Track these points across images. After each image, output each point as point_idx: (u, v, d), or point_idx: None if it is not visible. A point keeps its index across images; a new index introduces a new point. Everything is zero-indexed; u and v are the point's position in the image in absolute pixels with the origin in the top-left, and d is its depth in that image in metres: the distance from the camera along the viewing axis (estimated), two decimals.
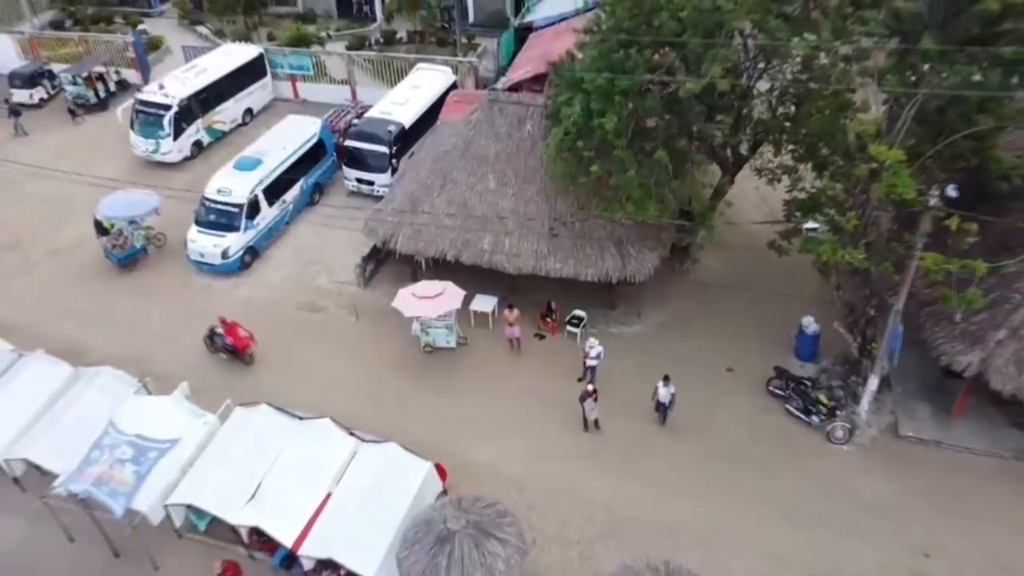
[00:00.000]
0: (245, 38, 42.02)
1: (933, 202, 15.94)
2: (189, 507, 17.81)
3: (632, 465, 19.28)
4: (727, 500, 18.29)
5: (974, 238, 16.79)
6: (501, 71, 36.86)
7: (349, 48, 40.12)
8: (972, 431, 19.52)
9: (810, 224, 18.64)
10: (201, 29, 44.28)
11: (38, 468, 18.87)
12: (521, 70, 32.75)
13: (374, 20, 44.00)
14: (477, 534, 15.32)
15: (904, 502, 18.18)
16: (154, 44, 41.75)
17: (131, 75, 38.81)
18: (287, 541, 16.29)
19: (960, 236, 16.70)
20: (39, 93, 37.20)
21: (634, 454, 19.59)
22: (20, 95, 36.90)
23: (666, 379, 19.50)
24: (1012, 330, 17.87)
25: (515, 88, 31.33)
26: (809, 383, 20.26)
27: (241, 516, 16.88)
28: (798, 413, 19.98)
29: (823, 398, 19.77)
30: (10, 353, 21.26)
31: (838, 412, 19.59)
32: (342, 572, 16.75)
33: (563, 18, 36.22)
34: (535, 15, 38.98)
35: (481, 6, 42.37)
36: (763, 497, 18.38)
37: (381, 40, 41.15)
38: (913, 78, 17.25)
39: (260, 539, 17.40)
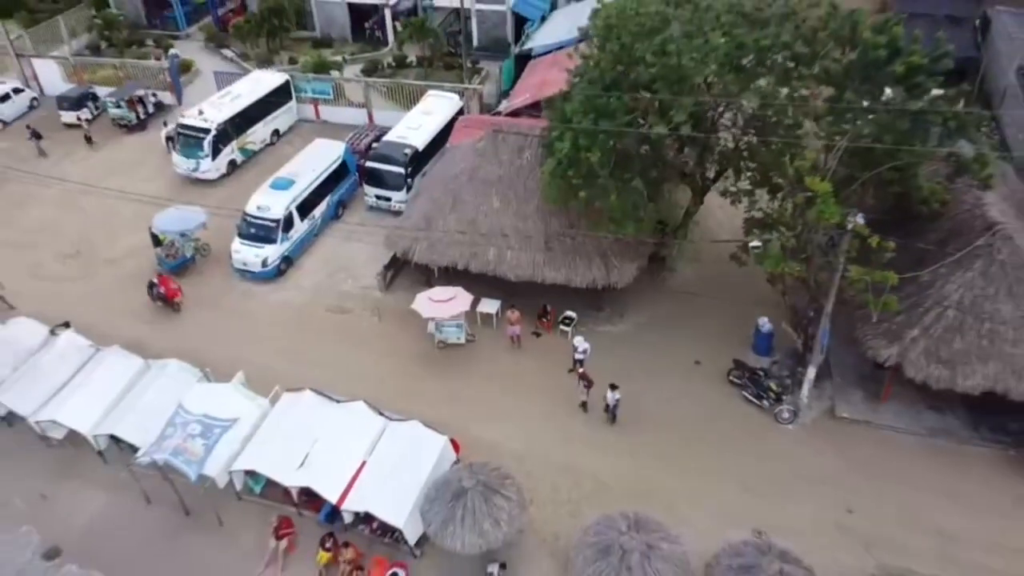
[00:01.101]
0: (267, 61, 45.98)
1: (851, 225, 19.73)
2: (248, 473, 21.75)
3: (615, 441, 23.14)
4: (692, 469, 22.15)
5: (891, 254, 20.65)
6: (503, 95, 40.69)
7: (364, 72, 43.97)
8: (896, 413, 23.39)
9: (755, 243, 22.56)
10: (226, 52, 48.10)
11: (120, 442, 22.79)
12: (520, 97, 36.71)
13: (386, 44, 47.73)
14: (486, 491, 19.20)
15: (836, 471, 22.04)
16: (185, 67, 45.55)
17: (166, 97, 42.56)
18: (332, 498, 20.19)
19: (880, 252, 20.57)
20: (84, 114, 40.96)
21: (617, 432, 23.43)
22: (67, 116, 40.77)
23: (612, 387, 23.12)
24: (924, 329, 21.73)
25: (515, 113, 35.36)
26: (762, 373, 24.15)
27: (293, 479, 20.80)
28: (752, 398, 23.86)
29: (773, 386, 23.66)
30: (89, 348, 25.20)
31: (784, 397, 23.48)
32: (375, 524, 20.69)
33: (560, 46, 39.86)
34: (533, 43, 42.75)
35: (484, 32, 46.48)
36: (721, 466, 22.24)
37: (393, 64, 44.86)
38: (843, 124, 21.13)
39: (308, 499, 21.26)
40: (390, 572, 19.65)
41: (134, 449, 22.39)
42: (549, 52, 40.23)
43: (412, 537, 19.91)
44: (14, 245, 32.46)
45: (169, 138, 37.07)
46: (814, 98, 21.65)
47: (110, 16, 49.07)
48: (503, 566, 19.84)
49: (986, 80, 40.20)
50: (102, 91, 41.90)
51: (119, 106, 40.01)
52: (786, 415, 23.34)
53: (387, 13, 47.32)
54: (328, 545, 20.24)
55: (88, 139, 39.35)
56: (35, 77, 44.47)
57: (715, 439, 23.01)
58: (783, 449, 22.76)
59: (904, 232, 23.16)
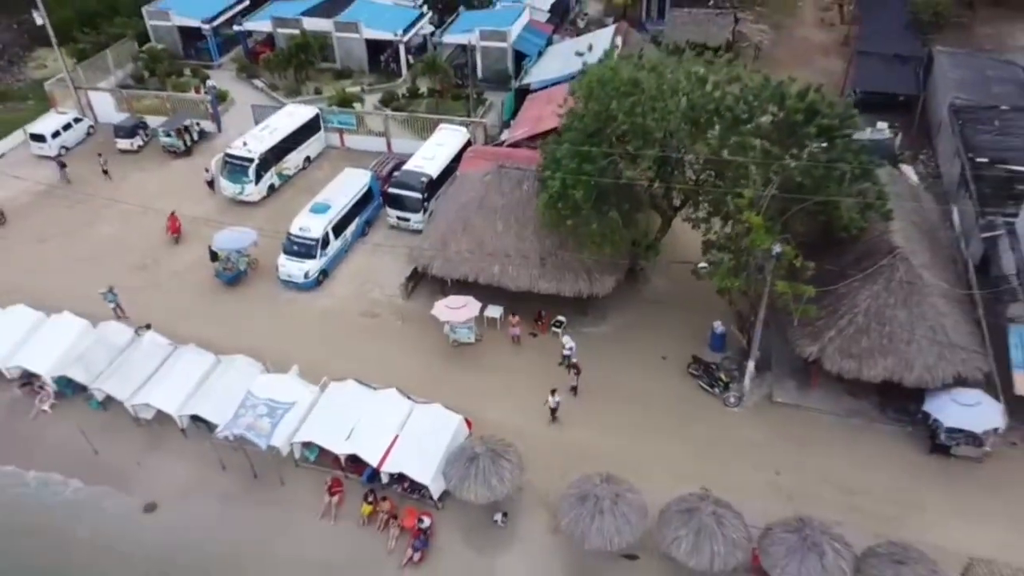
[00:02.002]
0: (295, 91, 51.72)
1: (776, 251, 25.45)
2: (304, 444, 27.52)
3: (595, 419, 28.87)
4: (655, 441, 27.89)
5: (812, 272, 26.41)
6: (505, 124, 46.39)
7: (382, 101, 49.70)
8: (822, 398, 29.14)
9: (702, 264, 28.32)
10: (257, 82, 53.80)
11: (201, 420, 28.56)
12: (520, 130, 42.41)
13: (400, 75, 53.40)
14: (493, 455, 24.99)
15: (770, 443, 27.81)
16: (222, 97, 51.27)
17: (208, 125, 48.26)
18: (373, 462, 25.99)
19: (803, 270, 26.32)
20: (137, 141, 46.72)
21: (598, 413, 29.15)
22: (123, 143, 46.51)
23: (553, 392, 28.54)
24: (839, 331, 27.46)
25: (516, 144, 41.07)
26: (715, 366, 29.93)
27: (342, 448, 26.59)
28: (706, 387, 29.63)
29: (723, 376, 29.45)
30: (168, 345, 30.99)
31: (732, 385, 29.25)
32: (406, 483, 26.46)
33: (555, 82, 45.58)
34: (531, 78, 48.52)
35: (487, 66, 52.19)
36: (679, 439, 28.00)
37: (407, 95, 50.56)
38: (772, 170, 26.88)
39: (353, 464, 27.02)
40: (419, 519, 25.41)
41: (210, 428, 28.27)
42: (545, 87, 45.95)
43: (436, 492, 25.73)
44: (89, 259, 38.15)
45: (206, 169, 42.75)
46: (751, 149, 27.34)
47: (155, 51, 54.72)
48: (505, 515, 25.63)
49: (927, 113, 45.99)
50: (152, 120, 47.66)
51: (169, 135, 45.74)
52: (732, 400, 29.13)
53: (400, 48, 53.02)
54: (370, 499, 26.09)
55: (105, 172, 44.34)
56: (90, 107, 50.17)
57: (675, 418, 28.78)
58: (729, 426, 28.54)
59: (828, 253, 29.06)
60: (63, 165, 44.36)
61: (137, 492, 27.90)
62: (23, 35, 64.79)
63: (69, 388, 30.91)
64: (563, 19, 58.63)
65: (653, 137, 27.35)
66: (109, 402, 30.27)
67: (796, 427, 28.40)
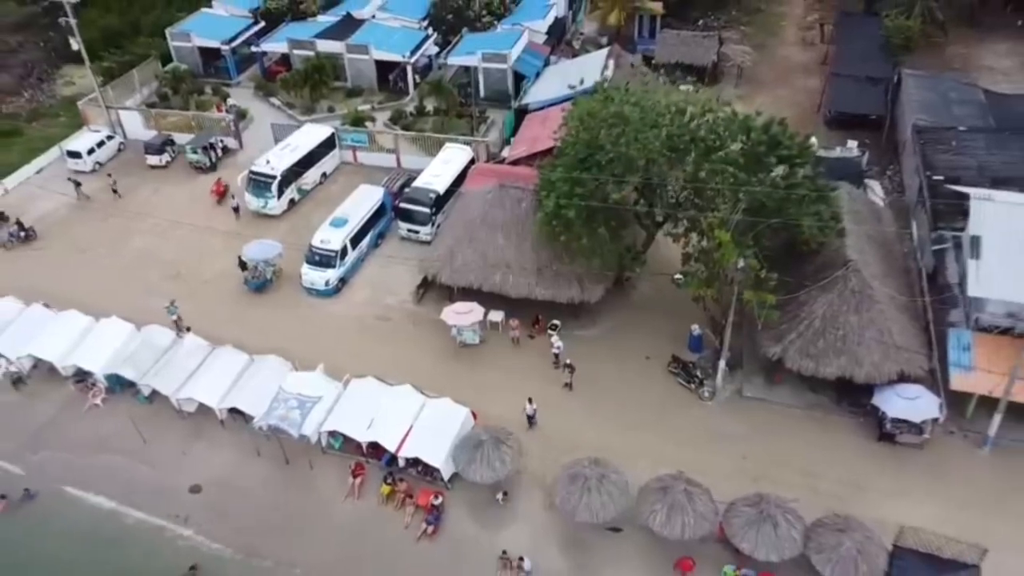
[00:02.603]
0: (310, 109, 55.52)
1: (741, 264, 29.29)
2: (330, 433, 31.37)
3: (586, 412, 32.73)
4: (638, 430, 31.72)
5: (775, 282, 30.27)
6: (505, 141, 50.20)
7: (391, 119, 53.49)
8: (786, 393, 32.99)
9: (677, 275, 32.18)
10: (274, 100, 57.57)
11: (239, 413, 32.42)
12: (519, 148, 46.28)
13: (407, 94, 57.17)
14: (496, 442, 28.89)
15: (739, 432, 31.67)
16: (241, 115, 55.07)
17: (231, 142, 52.03)
18: (392, 448, 29.85)
19: (767, 281, 30.17)
20: (165, 158, 50.55)
21: (589, 406, 33.00)
22: (152, 160, 50.34)
23: (530, 400, 32.22)
24: (799, 334, 31.32)
25: (515, 162, 44.92)
26: (692, 365, 33.79)
27: (364, 436, 30.45)
28: (684, 383, 33.51)
29: (699, 373, 33.32)
30: (207, 346, 34.86)
31: (706, 382, 33.13)
32: (420, 467, 30.31)
33: (552, 103, 49.39)
34: (530, 98, 52.35)
35: (489, 86, 55.94)
36: (660, 429, 31.84)
37: (414, 112, 54.32)
38: (739, 193, 30.75)
39: (373, 450, 30.88)
40: (432, 497, 29.29)
41: (247, 419, 32.15)
42: (542, 108, 49.77)
43: (446, 474, 29.63)
44: (127, 268, 42.01)
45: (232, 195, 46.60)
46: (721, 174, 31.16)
47: (179, 72, 58.52)
48: (505, 493, 29.48)
49: (895, 131, 49.85)
50: (178, 137, 51.51)
51: (196, 152, 49.57)
52: (707, 394, 33.02)
53: (408, 68, 56.85)
54: (389, 481, 30.01)
55: (115, 191, 47.69)
56: (120, 124, 53.98)
57: (656, 410, 32.65)
58: (703, 417, 32.43)
59: (791, 265, 32.90)
60: (78, 184, 47.86)
61: (183, 476, 31.75)
62: (50, 53, 68.61)
63: (118, 385, 34.79)
64: (560, 40, 62.34)
65: (636, 164, 31.18)
66: (155, 397, 34.14)
67: (762, 418, 32.26)
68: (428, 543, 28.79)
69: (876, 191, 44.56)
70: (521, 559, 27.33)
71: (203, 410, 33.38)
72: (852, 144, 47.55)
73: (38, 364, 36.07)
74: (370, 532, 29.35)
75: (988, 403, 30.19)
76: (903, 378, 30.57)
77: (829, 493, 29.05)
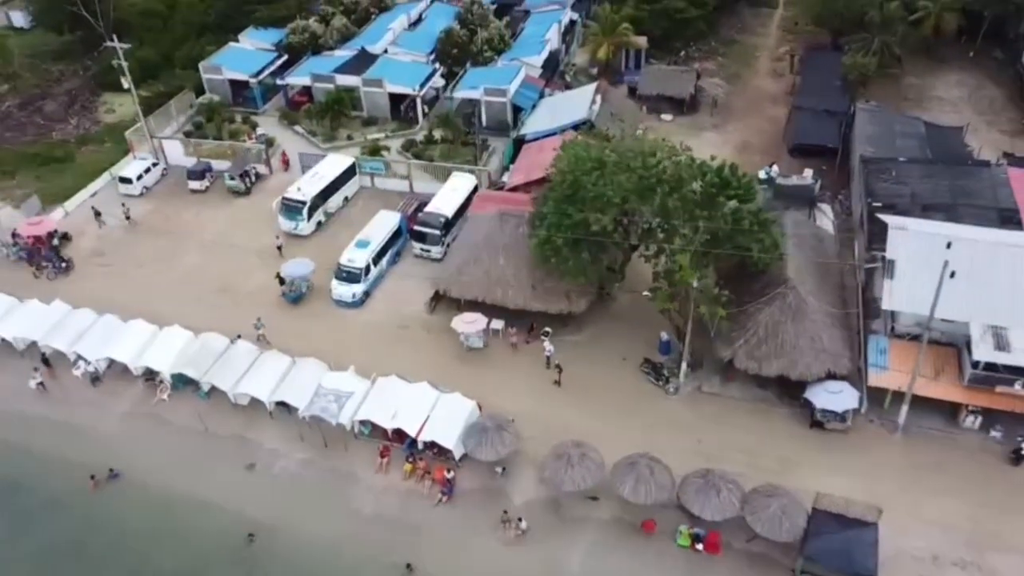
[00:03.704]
0: (331, 137, 62.33)
1: (696, 284, 36.09)
2: (362, 422, 38.21)
3: (571, 404, 39.53)
4: (614, 418, 38.48)
5: (727, 297, 37.09)
6: (504, 168, 56.97)
7: (404, 147, 60.22)
8: (737, 389, 39.83)
9: (646, 292, 39.08)
10: (297, 128, 64.31)
11: (284, 405, 39.24)
12: (517, 176, 53.06)
13: (417, 123, 63.91)
14: (498, 428, 35.77)
15: (698, 421, 38.50)
16: (269, 142, 61.85)
17: (262, 169, 58.82)
18: (413, 433, 36.71)
19: (719, 296, 37.00)
20: (205, 183, 57.37)
21: (573, 399, 39.79)
22: (193, 185, 57.16)
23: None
24: (746, 340, 38.17)
25: (514, 188, 51.71)
26: (660, 365, 40.66)
27: (390, 423, 37.30)
28: (653, 381, 40.38)
29: (666, 373, 40.19)
30: (255, 350, 41.70)
31: (672, 380, 40.00)
32: (435, 449, 37.16)
33: (547, 134, 56.15)
34: (526, 129, 59.19)
35: (491, 117, 62.69)
36: (632, 418, 38.60)
37: (424, 141, 61.06)
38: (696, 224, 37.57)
39: (397, 435, 37.72)
40: (446, 472, 36.15)
41: (291, 410, 38.99)
42: (537, 139, 56.56)
43: (457, 454, 36.51)
44: (179, 282, 48.79)
45: (277, 235, 53.36)
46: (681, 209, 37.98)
47: (213, 103, 65.35)
48: (504, 468, 36.31)
49: (848, 160, 56.62)
50: (216, 164, 58.32)
51: (233, 178, 56.43)
52: (672, 390, 39.90)
53: (418, 100, 63.65)
54: (410, 460, 36.89)
55: (127, 218, 53.83)
56: (163, 152, 60.78)
57: (629, 403, 39.49)
58: (668, 409, 39.29)
59: (742, 283, 39.72)
60: (98, 213, 54.10)
61: (239, 456, 38.60)
62: (89, 81, 75.49)
63: (181, 382, 41.60)
64: (554, 73, 69.14)
65: (612, 200, 38.03)
66: (212, 393, 40.97)
67: (716, 410, 39.13)
68: (443, 508, 35.66)
69: (827, 214, 51.53)
70: (519, 518, 34.24)
71: (253, 404, 40.18)
72: (807, 172, 54.42)
73: (112, 365, 42.86)
74: (396, 501, 36.20)
75: (901, 397, 37.00)
76: (831, 376, 37.40)
77: (767, 469, 35.76)
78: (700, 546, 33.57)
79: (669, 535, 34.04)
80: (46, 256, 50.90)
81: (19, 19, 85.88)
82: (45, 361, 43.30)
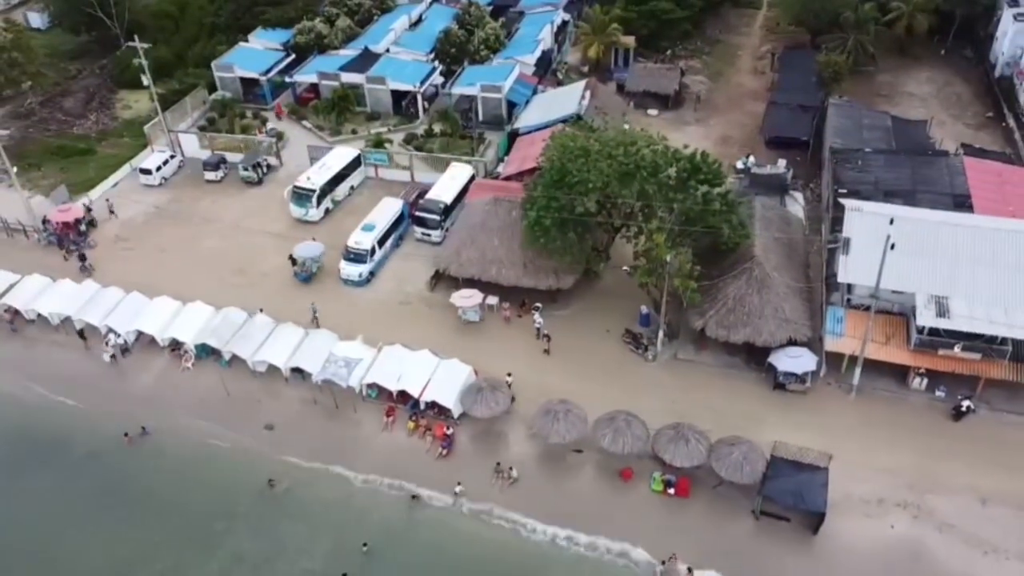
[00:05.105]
0: (336, 131, 66.37)
1: (669, 259, 40.14)
2: (369, 385, 42.32)
3: (558, 369, 43.58)
4: (599, 382, 42.51)
5: (699, 272, 41.16)
6: (500, 160, 61.02)
7: (405, 140, 64.26)
8: (709, 356, 43.91)
9: (625, 267, 43.16)
10: (305, 123, 68.36)
11: (299, 371, 43.33)
12: (511, 166, 57.14)
13: (418, 117, 67.91)
14: (492, 389, 39.90)
15: (673, 384, 42.59)
16: (279, 136, 65.90)
17: (273, 160, 62.86)
18: (416, 394, 40.82)
19: (691, 271, 41.07)
20: (220, 174, 61.41)
21: (560, 366, 43.83)
22: (209, 175, 61.22)
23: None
24: (716, 311, 42.23)
25: (508, 178, 55.80)
26: (640, 335, 44.74)
27: (395, 386, 41.41)
28: (634, 349, 44.47)
29: (645, 342, 44.29)
30: (272, 323, 45.79)
31: (650, 348, 44.10)
32: (436, 408, 41.25)
33: (538, 128, 60.18)
34: (520, 123, 63.25)
35: (487, 112, 66.77)
36: (613, 381, 42.62)
37: (424, 134, 65.08)
38: (669, 207, 41.66)
39: (401, 397, 41.81)
40: (445, 428, 40.27)
41: (304, 376, 43.07)
42: (530, 132, 60.61)
43: (456, 413, 40.64)
44: (200, 264, 52.82)
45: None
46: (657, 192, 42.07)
47: (226, 100, 69.45)
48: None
49: (819, 151, 60.71)
50: (230, 157, 62.38)
51: (246, 169, 60.50)
52: (650, 357, 44.02)
53: (418, 96, 67.67)
54: (413, 418, 41.00)
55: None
56: (179, 145, 64.84)
57: (611, 369, 43.58)
58: (646, 375, 43.41)
59: (715, 259, 43.80)
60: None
61: (259, 418, 42.70)
62: (106, 79, 79.46)
63: (204, 352, 45.70)
64: (547, 71, 73.19)
65: (595, 185, 42.14)
66: (233, 362, 45.06)
67: (690, 374, 43.27)
68: (443, 461, 39.77)
69: (798, 201, 55.70)
70: (511, 468, 38.38)
71: (270, 372, 44.26)
72: (781, 162, 58.54)
73: (139, 337, 46.94)
74: (401, 455, 40.29)
75: (855, 361, 41.10)
76: (792, 343, 41.49)
77: (732, 425, 39.63)
78: (672, 491, 37.68)
79: (645, 481, 38.14)
80: (74, 241, 54.92)
81: (36, 20, 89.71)
82: (80, 334, 47.32)
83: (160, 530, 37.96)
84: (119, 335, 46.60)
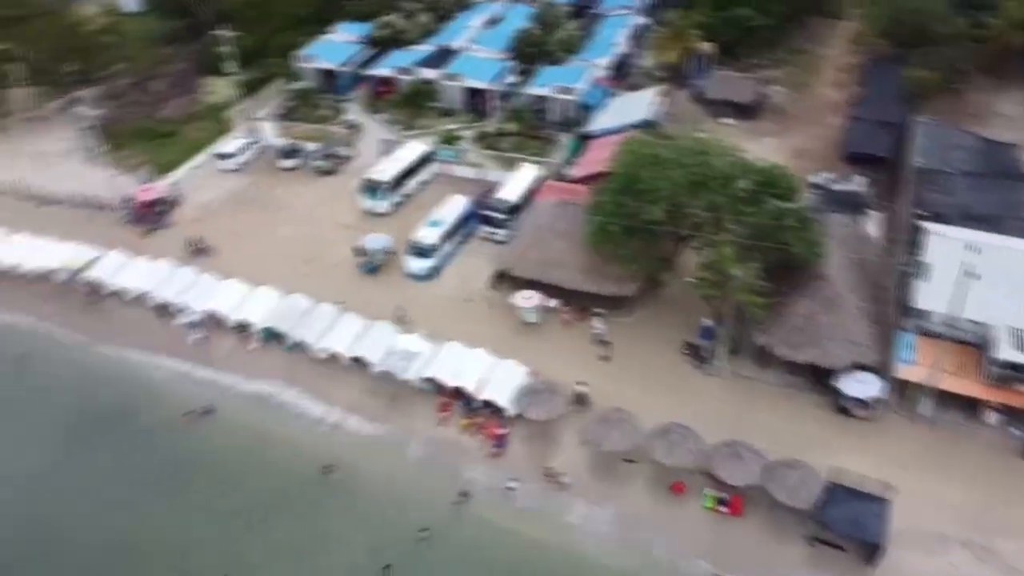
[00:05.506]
0: (410, 126, 67.13)
1: (738, 274, 39.39)
2: (427, 379, 42.73)
3: (617, 378, 43.22)
4: (656, 393, 42.04)
5: (764, 288, 40.32)
6: (567, 162, 60.76)
7: (477, 138, 64.64)
8: (771, 374, 42.91)
9: (691, 279, 42.52)
10: (380, 116, 69.36)
11: (359, 361, 44.05)
12: (581, 169, 56.79)
13: (490, 116, 68.13)
14: (550, 391, 39.88)
15: (732, 400, 41.80)
16: (355, 128, 67.01)
17: (347, 151, 63.99)
18: (472, 391, 41.05)
19: (758, 287, 40.25)
20: (296, 162, 62.82)
21: (619, 374, 43.47)
22: (285, 163, 62.69)
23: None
24: (782, 329, 41.33)
25: (577, 181, 55.51)
26: (701, 348, 44.06)
27: (452, 382, 41.74)
28: (693, 362, 43.83)
29: (705, 355, 43.60)
30: (336, 310, 46.65)
31: (710, 362, 43.38)
32: (492, 407, 41.39)
33: (611, 132, 59.64)
34: (593, 126, 62.87)
35: (558, 113, 66.56)
36: (670, 394, 42.17)
37: (496, 133, 65.33)
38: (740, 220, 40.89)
39: (457, 393, 42.09)
40: (499, 428, 40.40)
41: (364, 367, 43.75)
42: (603, 135, 60.16)
43: (511, 412, 40.67)
44: (273, 251, 54.06)
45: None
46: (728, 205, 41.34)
47: (305, 90, 71.06)
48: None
49: (901, 170, 58.70)
50: (306, 146, 63.73)
51: (321, 159, 61.75)
52: (710, 371, 43.31)
53: (492, 94, 67.90)
54: (468, 416, 41.22)
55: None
56: (259, 132, 66.54)
57: (669, 380, 43.10)
58: (705, 388, 42.75)
59: (786, 275, 42.70)
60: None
61: (322, 401, 43.62)
62: (193, 64, 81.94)
63: (269, 336, 46.84)
64: (622, 75, 72.60)
65: (664, 193, 41.65)
66: (296, 347, 46.08)
67: (750, 391, 42.41)
68: (495, 459, 39.94)
69: (874, 220, 53.99)
70: (562, 472, 38.28)
71: (333, 360, 45.13)
72: (860, 180, 56.82)
73: (208, 317, 48.39)
74: (454, 451, 40.66)
75: (925, 390, 39.71)
76: (857, 366, 40.29)
77: (790, 447, 38.73)
78: (724, 508, 37.02)
79: (696, 497, 37.59)
80: (153, 220, 56.96)
81: (131, 3, 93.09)
82: (157, 310, 49.06)
83: (214, 507, 39.20)
84: (192, 313, 48.10)
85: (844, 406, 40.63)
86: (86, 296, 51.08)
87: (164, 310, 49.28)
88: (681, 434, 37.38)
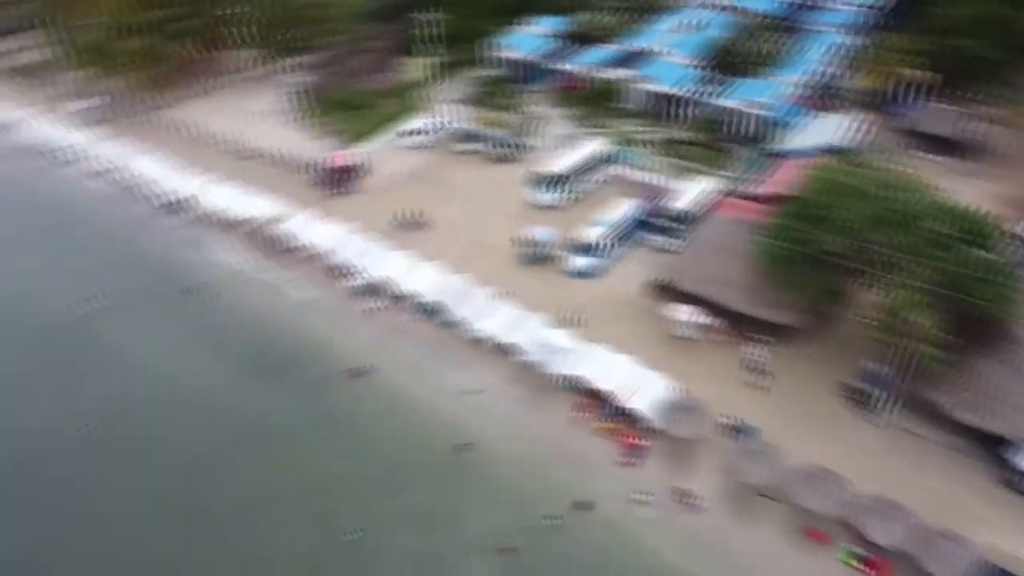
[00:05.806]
0: (593, 123, 67.27)
1: (914, 320, 36.63)
2: (570, 376, 42.82)
3: (768, 410, 41.41)
4: (804, 433, 39.83)
5: (941, 340, 37.28)
6: (746, 178, 58.69)
7: (659, 144, 63.75)
8: (934, 430, 39.68)
9: (864, 319, 39.85)
10: (563, 111, 69.95)
11: (502, 347, 44.88)
12: (766, 187, 54.50)
13: (676, 122, 67.05)
14: (694, 411, 38.84)
15: (886, 452, 39.00)
16: (539, 120, 68.00)
17: (526, 140, 65.13)
18: (615, 396, 40.74)
19: (935, 337, 37.26)
20: (476, 147, 64.64)
21: (771, 406, 41.63)
22: (463, 147, 64.72)
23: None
24: (956, 385, 38.08)
25: (760, 199, 53.39)
26: (862, 392, 41.38)
27: (600, 384, 41.55)
28: (852, 406, 41.23)
29: (865, 400, 40.91)
30: (492, 298, 47.70)
31: (869, 408, 40.68)
32: (634, 417, 40.83)
33: (802, 153, 57.10)
34: (783, 144, 60.40)
35: (746, 128, 64.52)
36: (821, 436, 39.86)
37: (679, 140, 64.19)
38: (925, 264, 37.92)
39: (596, 396, 41.86)
40: (636, 439, 39.91)
41: (509, 354, 44.45)
42: (791, 155, 57.71)
43: (655, 426, 40.00)
44: (442, 228, 56.17)
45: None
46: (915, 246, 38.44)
47: (495, 78, 72.92)
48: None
49: None
50: (488, 132, 65.40)
51: (501, 146, 63.21)
52: (870, 419, 40.62)
53: (680, 101, 66.79)
54: (608, 419, 41.01)
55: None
56: (445, 114, 68.99)
57: (822, 421, 40.57)
58: (859, 435, 39.94)
59: (967, 327, 39.28)
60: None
61: (463, 381, 44.90)
62: (393, 43, 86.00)
63: (423, 311, 48.65)
64: (819, 95, 69.13)
65: (845, 225, 39.35)
66: (448, 324, 47.62)
67: (908, 446, 39.33)
68: (624, 470, 39.50)
69: None
70: (697, 496, 37.34)
71: (480, 342, 46.30)
72: None
73: (372, 284, 50.92)
74: (588, 452, 40.59)
75: None
76: None
77: (944, 513, 35.60)
78: (864, 567, 34.72)
79: (833, 549, 35.50)
80: (341, 184, 60.65)
81: None
82: (329, 273, 52.31)
83: (356, 467, 41.27)
84: (357, 277, 50.86)
85: (1012, 480, 36.95)
86: (274, 247, 55.32)
87: (337, 271, 52.34)
88: (826, 479, 35.39)
